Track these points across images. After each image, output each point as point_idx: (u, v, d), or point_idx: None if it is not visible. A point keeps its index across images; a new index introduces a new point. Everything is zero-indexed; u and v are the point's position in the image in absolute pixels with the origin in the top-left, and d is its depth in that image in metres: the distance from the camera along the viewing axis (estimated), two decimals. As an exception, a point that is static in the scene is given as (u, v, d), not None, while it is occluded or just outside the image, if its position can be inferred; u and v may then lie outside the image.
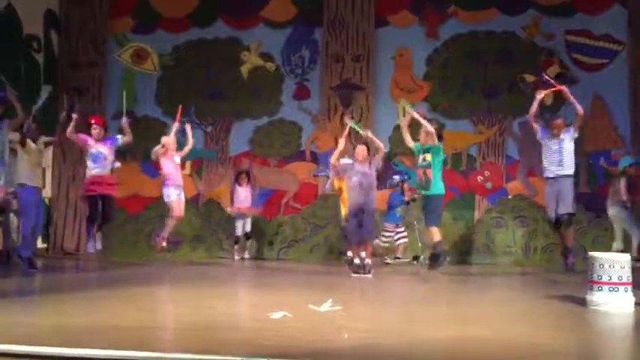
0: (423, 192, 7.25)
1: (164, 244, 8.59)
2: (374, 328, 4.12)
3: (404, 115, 7.98)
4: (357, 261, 7.51)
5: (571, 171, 7.55)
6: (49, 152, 10.26)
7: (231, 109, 10.34)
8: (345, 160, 7.66)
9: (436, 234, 7.09)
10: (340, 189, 8.23)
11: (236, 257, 9.44)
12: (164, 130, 10.22)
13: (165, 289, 6.66)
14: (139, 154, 10.09)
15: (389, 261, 8.94)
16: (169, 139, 8.62)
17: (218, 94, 10.37)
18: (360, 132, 7.90)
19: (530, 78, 9.67)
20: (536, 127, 7.78)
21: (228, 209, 9.60)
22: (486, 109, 9.80)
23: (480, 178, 9.75)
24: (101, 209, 8.08)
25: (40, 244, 10.05)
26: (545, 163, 7.69)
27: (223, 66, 10.39)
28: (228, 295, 5.87)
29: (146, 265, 8.61)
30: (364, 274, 7.27)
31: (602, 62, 9.58)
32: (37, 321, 4.37)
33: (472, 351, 3.51)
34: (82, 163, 8.76)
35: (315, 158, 10.08)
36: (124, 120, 8.46)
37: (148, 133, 10.17)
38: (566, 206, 7.45)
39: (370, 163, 7.40)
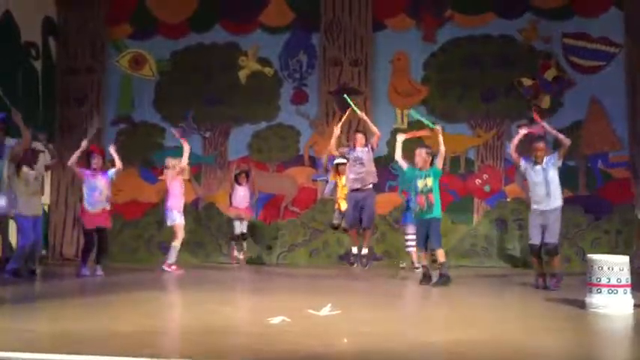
0: (423, 216, 7.08)
1: (174, 268, 8.50)
2: (373, 332, 4.12)
3: (403, 121, 8.05)
4: (354, 250, 7.75)
5: (559, 202, 6.98)
6: (48, 159, 10.26)
7: (229, 114, 10.34)
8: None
9: (442, 255, 7.13)
10: (337, 185, 8.42)
11: (235, 254, 9.44)
12: (162, 135, 10.29)
13: (165, 295, 6.66)
14: (137, 160, 10.10)
15: (403, 265, 8.89)
16: (184, 165, 8.72)
17: (216, 100, 10.37)
18: (357, 112, 8.04)
19: (527, 82, 9.69)
20: (518, 158, 7.20)
21: (228, 212, 9.62)
22: (484, 112, 9.81)
23: (478, 181, 9.75)
24: (97, 241, 8.14)
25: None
26: (532, 195, 7.11)
27: (221, 71, 10.39)
28: (228, 300, 5.86)
29: (145, 271, 8.60)
30: (362, 266, 7.68)
31: (600, 65, 9.59)
32: (37, 327, 4.36)
33: (471, 354, 3.51)
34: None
35: (313, 163, 10.08)
36: (112, 148, 8.46)
37: (146, 138, 10.20)
38: (553, 235, 6.87)
39: (367, 147, 7.68)
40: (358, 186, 7.67)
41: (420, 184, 7.02)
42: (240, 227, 9.48)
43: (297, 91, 10.28)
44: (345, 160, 8.11)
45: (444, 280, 6.89)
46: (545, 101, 9.63)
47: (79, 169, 8.16)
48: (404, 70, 10.06)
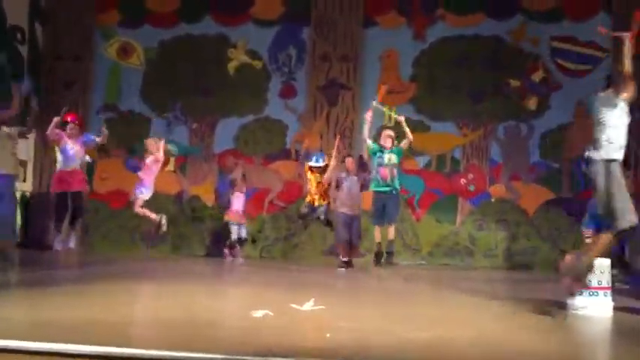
0: (385, 190, 7.75)
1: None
2: (356, 328, 4.12)
3: (390, 118, 8.37)
4: (343, 259, 8.14)
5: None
6: (31, 145, 10.17)
7: (216, 106, 10.30)
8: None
9: (393, 233, 7.86)
10: (310, 180, 8.67)
11: (229, 259, 9.26)
12: (149, 125, 10.22)
13: (147, 286, 6.61)
14: (123, 150, 10.02)
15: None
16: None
17: (204, 91, 10.32)
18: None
19: (515, 83, 9.76)
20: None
21: (227, 217, 9.38)
22: (471, 112, 9.86)
23: (463, 180, 9.81)
24: (71, 206, 8.05)
25: (19, 238, 9.94)
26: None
27: (210, 63, 10.34)
28: (210, 293, 5.84)
29: (129, 261, 8.55)
30: (349, 267, 8.06)
31: (586, 69, 9.69)
32: (14, 315, 4.31)
33: (453, 352, 3.53)
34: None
35: (299, 157, 10.08)
36: (101, 133, 8.47)
37: (132, 128, 10.13)
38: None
39: (358, 175, 8.25)
40: (347, 212, 8.11)
41: (386, 158, 7.76)
42: (239, 232, 9.26)
43: (286, 85, 10.26)
44: (320, 165, 8.48)
45: (391, 257, 7.59)
46: (532, 103, 9.72)
47: (56, 131, 8.11)
48: (393, 68, 10.08)
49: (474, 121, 9.86)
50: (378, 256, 7.75)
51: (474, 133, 9.86)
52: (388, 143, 7.82)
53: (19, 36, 10.03)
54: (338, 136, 9.02)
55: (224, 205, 9.55)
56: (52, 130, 8.06)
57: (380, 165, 7.77)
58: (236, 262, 9.07)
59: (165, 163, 9.67)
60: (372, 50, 10.07)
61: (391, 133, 7.95)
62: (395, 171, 7.82)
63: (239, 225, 9.26)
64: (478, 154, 9.87)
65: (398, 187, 7.93)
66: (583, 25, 9.68)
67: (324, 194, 8.53)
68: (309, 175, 8.62)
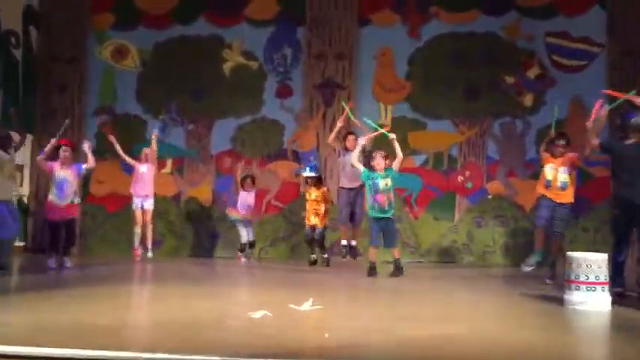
0: (382, 215, 7.24)
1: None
2: (355, 327, 4.13)
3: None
4: (344, 242, 8.18)
5: None
6: (27, 150, 10.14)
7: (213, 107, 10.29)
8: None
9: (398, 252, 7.50)
10: (309, 197, 8.58)
11: (243, 261, 9.18)
12: (144, 127, 10.21)
13: (145, 288, 6.62)
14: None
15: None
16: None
17: (200, 92, 10.31)
18: (352, 118, 8.34)
19: (510, 79, 9.77)
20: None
21: (232, 214, 9.30)
22: (467, 109, 9.86)
23: (460, 178, 9.81)
24: (64, 233, 7.95)
25: (17, 242, 9.92)
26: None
27: (205, 64, 10.33)
28: (208, 294, 5.84)
29: (126, 264, 8.54)
30: (352, 257, 8.13)
31: (581, 64, 9.70)
32: (13, 320, 4.31)
33: (453, 350, 3.54)
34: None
35: (297, 157, 10.07)
36: (86, 145, 8.24)
37: (127, 130, 10.11)
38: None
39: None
40: (350, 186, 8.12)
41: (381, 183, 7.25)
42: (247, 235, 9.22)
43: (282, 85, 10.25)
44: (313, 175, 8.43)
45: (399, 271, 7.29)
46: (528, 99, 9.73)
47: (46, 164, 7.82)
48: (388, 66, 10.08)
49: (470, 118, 9.87)
50: (372, 270, 7.46)
51: (471, 131, 9.86)
52: (381, 165, 7.29)
53: (13, 40, 10.01)
54: (348, 104, 8.62)
55: (230, 203, 9.49)
56: (41, 161, 7.84)
57: (376, 192, 7.24)
58: (247, 264, 9.08)
59: (162, 165, 9.77)
60: (368, 48, 10.06)
61: (382, 154, 7.38)
62: (392, 195, 7.28)
63: (245, 225, 9.20)
64: (475, 151, 9.87)
65: (393, 214, 7.36)
66: (578, 21, 9.69)
67: (323, 217, 8.43)
68: (307, 194, 8.57)
